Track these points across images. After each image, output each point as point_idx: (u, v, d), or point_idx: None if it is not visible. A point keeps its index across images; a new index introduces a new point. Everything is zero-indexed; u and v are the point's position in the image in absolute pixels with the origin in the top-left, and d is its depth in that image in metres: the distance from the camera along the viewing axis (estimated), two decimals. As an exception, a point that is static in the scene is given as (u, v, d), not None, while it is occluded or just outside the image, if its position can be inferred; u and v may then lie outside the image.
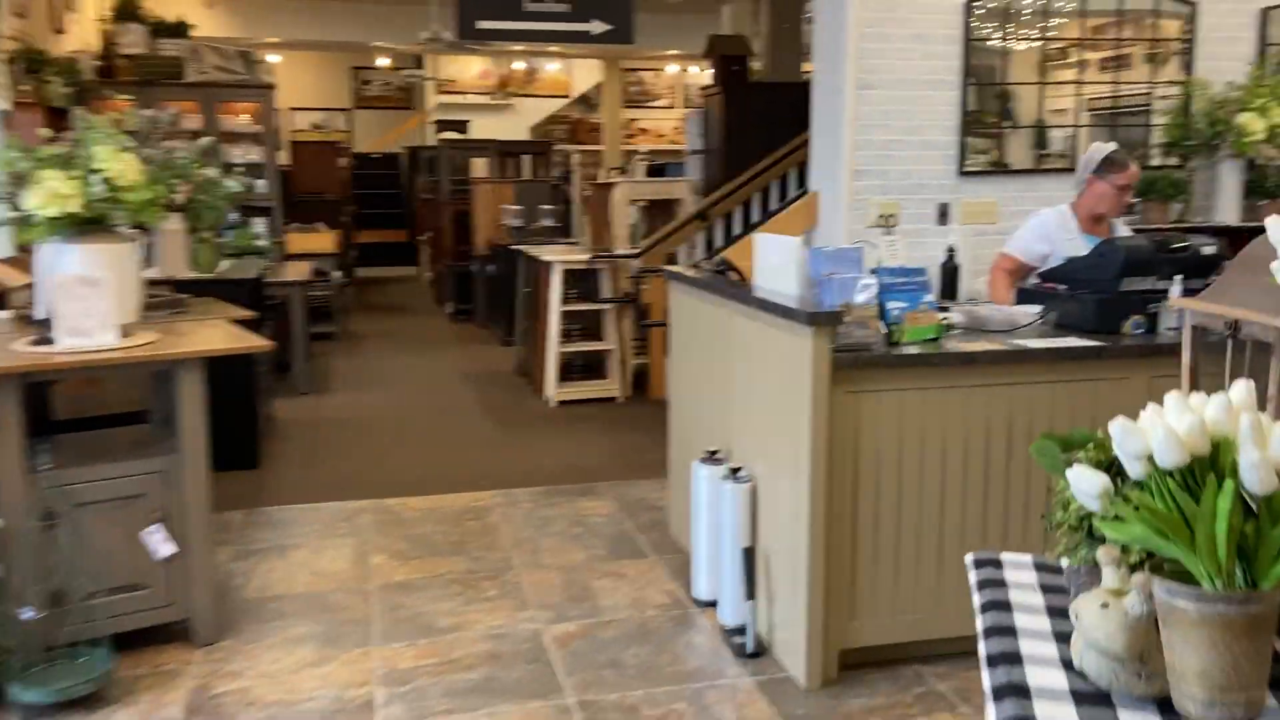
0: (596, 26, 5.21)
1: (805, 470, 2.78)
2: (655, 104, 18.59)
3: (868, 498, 2.87)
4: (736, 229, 6.44)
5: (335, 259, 9.01)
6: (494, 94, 16.91)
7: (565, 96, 17.56)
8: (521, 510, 4.45)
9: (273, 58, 14.51)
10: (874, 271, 2.99)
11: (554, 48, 13.83)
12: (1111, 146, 3.81)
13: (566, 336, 6.81)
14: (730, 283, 3.41)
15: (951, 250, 4.72)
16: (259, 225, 8.63)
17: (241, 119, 8.84)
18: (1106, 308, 3.03)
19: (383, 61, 14.84)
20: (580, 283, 6.86)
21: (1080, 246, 3.65)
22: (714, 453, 3.35)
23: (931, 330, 2.99)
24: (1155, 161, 5.01)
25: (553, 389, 6.42)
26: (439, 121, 10.58)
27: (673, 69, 17.90)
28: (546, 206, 9.12)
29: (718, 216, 6.38)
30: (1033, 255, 3.92)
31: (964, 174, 4.83)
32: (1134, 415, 1.19)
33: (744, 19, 9.59)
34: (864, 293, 2.83)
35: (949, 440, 2.88)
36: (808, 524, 2.80)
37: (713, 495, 3.31)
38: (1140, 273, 3.02)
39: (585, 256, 6.39)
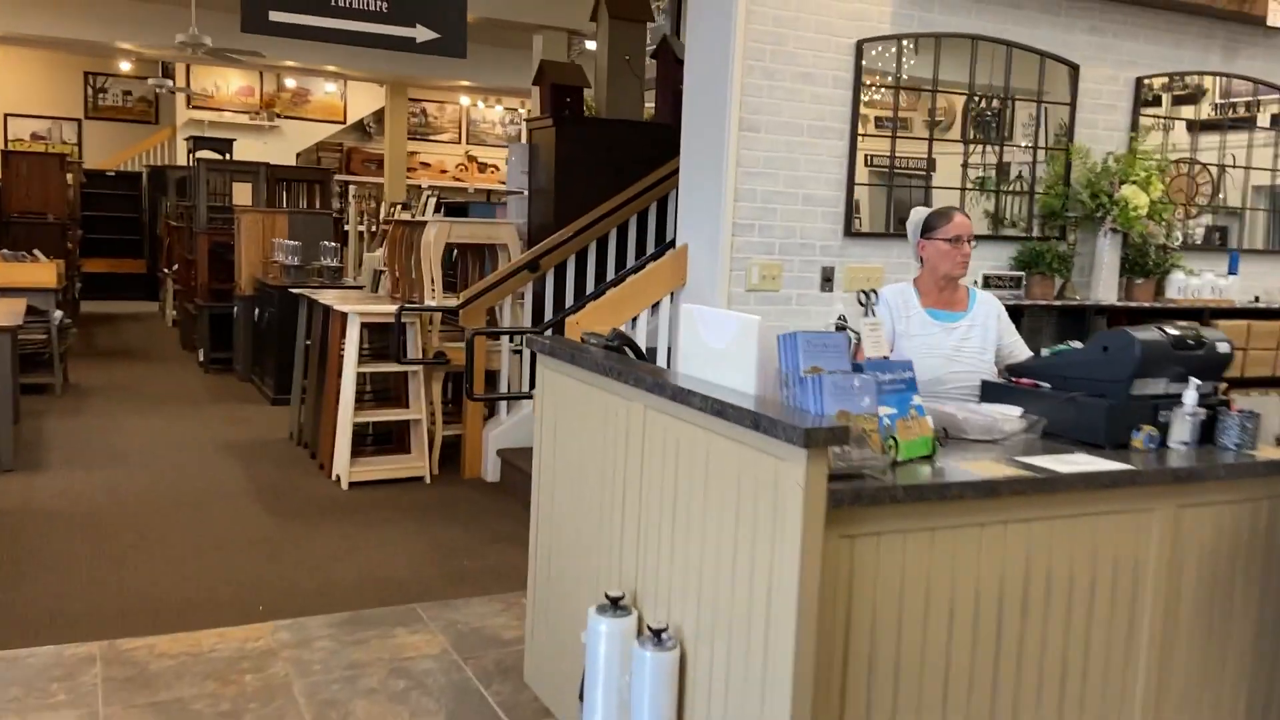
0: (422, 34, 4.26)
1: (786, 642, 1.97)
2: (438, 138, 17.52)
3: (858, 676, 2.09)
4: (575, 282, 5.60)
5: (56, 294, 7.34)
6: (256, 114, 15.25)
7: (339, 122, 16.14)
8: (318, 653, 3.34)
9: (-18, 49, 12.26)
10: (858, 367, 2.24)
11: (331, 66, 12.52)
12: (930, 209, 3.29)
13: (361, 401, 5.69)
14: (646, 370, 2.56)
15: (843, 320, 4.12)
16: (-48, 250, 6.88)
17: (-67, 116, 7.05)
18: (1116, 415, 2.45)
19: (124, 66, 12.88)
20: (380, 338, 5.77)
21: (923, 324, 3.15)
22: (616, 600, 2.47)
23: (924, 445, 2.28)
24: (1037, 233, 4.67)
25: (345, 467, 5.27)
26: (195, 139, 9.07)
27: (466, 101, 16.91)
28: (329, 244, 7.90)
29: (550, 266, 5.52)
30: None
31: (851, 235, 4.25)
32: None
33: (557, 50, 8.84)
34: (864, 396, 2.07)
35: (959, 595, 2.16)
36: (789, 715, 1.97)
37: (617, 661, 2.42)
38: (1153, 373, 2.46)
39: (390, 308, 5.33)
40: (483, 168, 18.05)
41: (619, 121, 5.81)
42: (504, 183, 18.48)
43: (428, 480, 5.45)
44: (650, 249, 5.73)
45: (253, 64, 12.62)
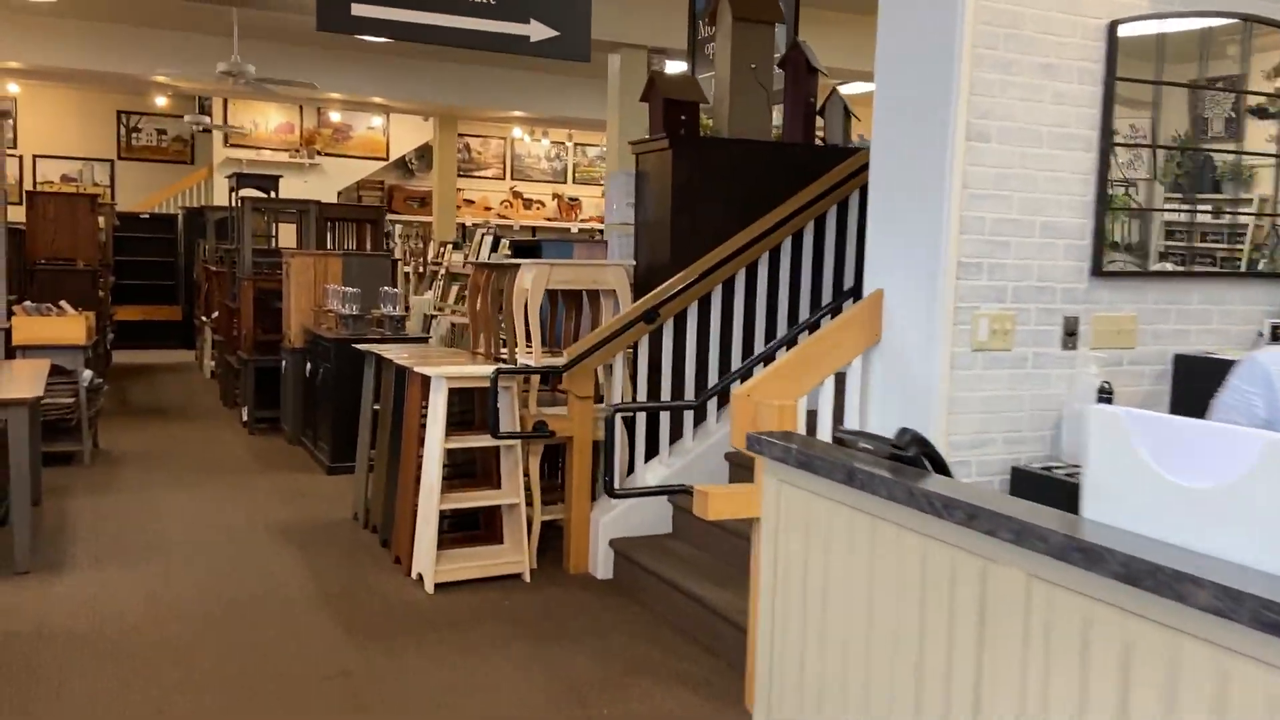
0: (537, 31, 3.38)
1: None
2: (482, 174, 16.77)
3: None
4: (698, 334, 4.66)
5: (86, 351, 6.49)
6: (296, 151, 14.54)
7: (381, 159, 15.42)
8: None
9: (12, 87, 11.59)
10: None
11: (377, 98, 11.75)
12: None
13: (443, 480, 4.75)
14: (1034, 516, 1.58)
15: (1108, 390, 3.13)
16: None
17: (-50, 154, 6.25)
18: None
19: (159, 102, 12.19)
20: (461, 403, 4.84)
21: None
22: None
23: None
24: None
25: (429, 565, 4.31)
26: (238, 175, 8.26)
27: (519, 133, 16.10)
28: (389, 290, 7.01)
29: (669, 316, 4.58)
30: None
31: (1101, 274, 3.27)
32: None
33: (635, 72, 7.98)
34: None
35: None
36: None
37: None
38: None
39: (483, 370, 4.40)
40: (528, 204, 17.28)
41: (747, 142, 4.88)
42: (550, 220, 17.77)
43: (527, 578, 4.48)
44: (800, 291, 4.79)
45: (295, 96, 11.89)
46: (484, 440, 4.49)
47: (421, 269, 13.40)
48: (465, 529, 4.92)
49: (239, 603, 4.13)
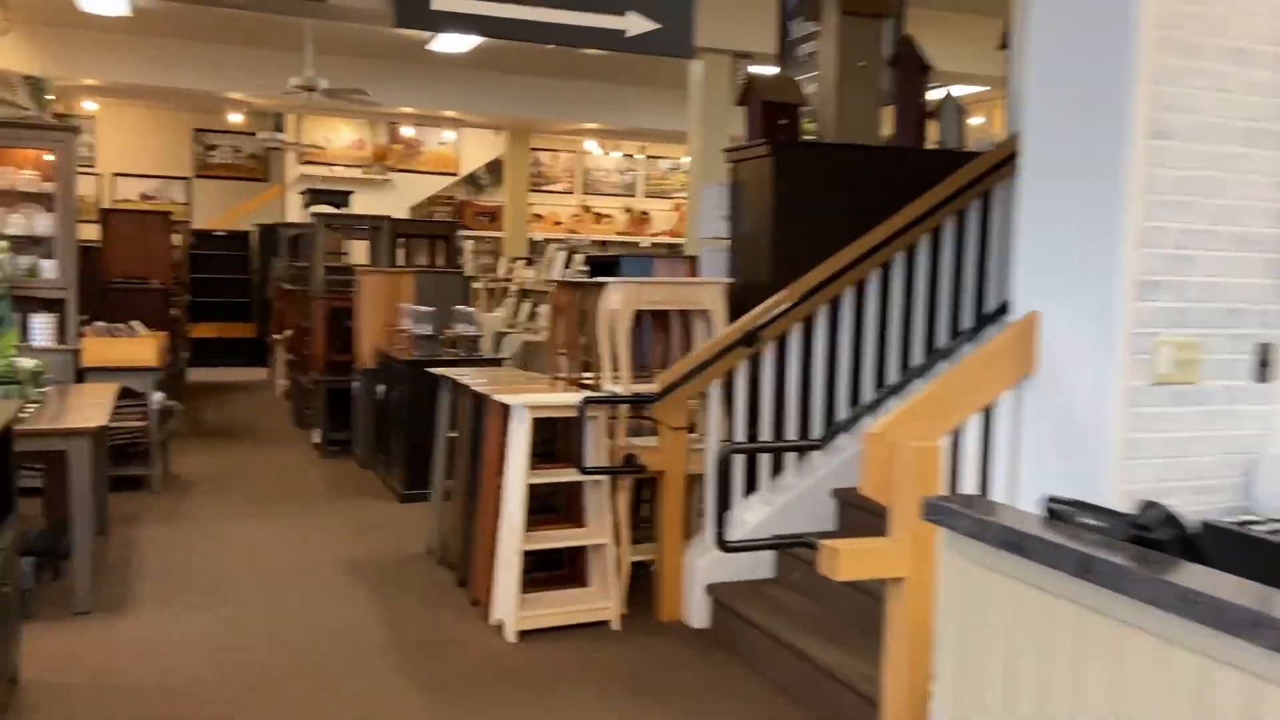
0: (635, 24, 3.01)
1: None
2: (551, 188, 16.54)
3: None
4: (802, 359, 4.24)
5: (157, 374, 6.30)
6: (368, 167, 14.45)
7: (452, 174, 15.27)
8: None
9: (89, 105, 11.66)
10: None
11: (449, 112, 11.56)
12: None
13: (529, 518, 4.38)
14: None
15: (1322, 433, 2.63)
16: (40, 326, 5.88)
17: (23, 174, 6.12)
18: None
19: (234, 118, 12.17)
20: (541, 432, 4.48)
21: None
22: None
23: None
24: None
25: (511, 611, 3.95)
26: (311, 191, 8.09)
27: (593, 145, 15.81)
28: (463, 309, 6.71)
29: (770, 339, 4.17)
30: None
31: (1302, 294, 2.78)
32: None
33: (720, 74, 7.60)
34: None
35: None
36: None
37: None
38: None
39: (568, 399, 4.04)
40: (598, 218, 17.00)
41: (856, 147, 4.45)
42: (620, 234, 17.46)
43: (616, 625, 4.09)
44: (916, 309, 4.35)
45: (367, 111, 11.75)
46: (569, 475, 4.12)
47: (492, 286, 13.20)
48: (547, 568, 4.55)
49: (309, 654, 3.81)
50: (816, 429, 4.31)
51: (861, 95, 4.44)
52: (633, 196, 17.41)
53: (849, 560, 2.64)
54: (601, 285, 4.40)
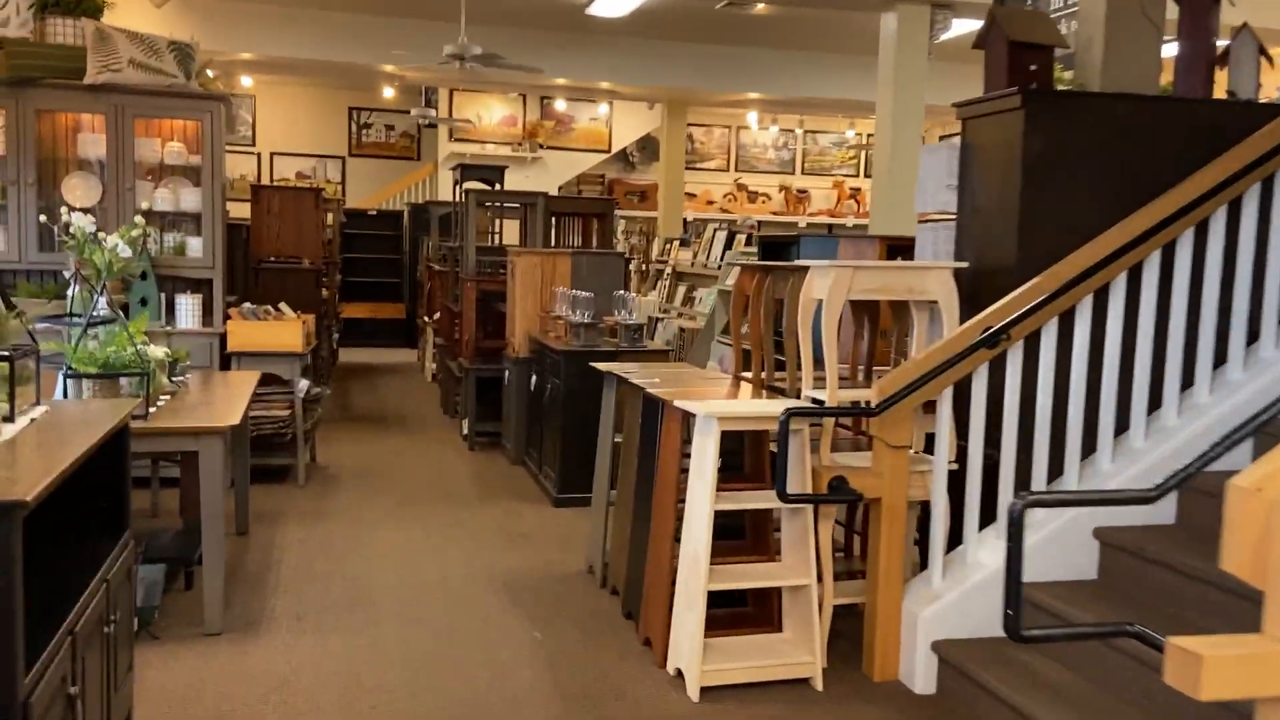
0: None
1: None
2: (704, 165, 15.81)
3: None
4: (1057, 364, 3.39)
5: (303, 359, 5.94)
6: (519, 144, 14.08)
7: (603, 151, 14.75)
8: None
9: (246, 80, 11.62)
10: None
11: (604, 84, 10.95)
12: None
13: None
14: None
15: None
16: (185, 308, 5.56)
17: (172, 146, 5.83)
18: None
19: (387, 93, 11.94)
20: (729, 443, 3.77)
21: None
22: None
23: None
24: None
25: (693, 663, 3.28)
26: (462, 167, 7.62)
27: (752, 119, 14.95)
28: (624, 294, 6.08)
29: (1019, 339, 3.33)
30: None
31: None
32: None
33: (917, 29, 6.69)
34: None
35: None
36: None
37: None
38: None
39: (766, 408, 3.32)
40: (753, 197, 16.18)
41: (1133, 98, 3.55)
42: (775, 214, 16.59)
43: (818, 684, 3.36)
44: (1232, 302, 3.44)
45: (520, 83, 11.27)
46: (765, 500, 3.41)
47: (645, 267, 12.59)
48: (729, 604, 3.86)
49: (456, 701, 3.24)
50: (1072, 452, 3.45)
51: (1139, 34, 3.53)
52: (790, 174, 16.50)
53: (1217, 673, 1.83)
54: (801, 271, 3.65)
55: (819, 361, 3.56)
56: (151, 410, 3.66)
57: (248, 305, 6.00)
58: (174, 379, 4.33)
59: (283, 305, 6.40)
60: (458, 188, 7.93)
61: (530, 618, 3.95)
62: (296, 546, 4.73)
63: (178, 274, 5.78)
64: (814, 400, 3.56)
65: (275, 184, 7.88)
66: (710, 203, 15.75)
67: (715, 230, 10.13)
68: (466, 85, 12.78)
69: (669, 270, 10.79)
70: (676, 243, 11.05)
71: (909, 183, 6.80)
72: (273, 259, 7.77)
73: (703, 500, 3.31)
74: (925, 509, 3.59)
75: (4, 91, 5.35)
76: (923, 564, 3.61)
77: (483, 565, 4.57)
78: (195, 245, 5.78)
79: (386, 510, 5.44)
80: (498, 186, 7.90)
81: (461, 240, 7.51)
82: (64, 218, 4.25)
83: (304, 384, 5.92)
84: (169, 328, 5.62)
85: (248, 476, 4.92)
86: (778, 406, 3.30)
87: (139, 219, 4.82)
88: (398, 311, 13.54)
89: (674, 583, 3.51)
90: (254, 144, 14.50)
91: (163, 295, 5.65)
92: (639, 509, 3.93)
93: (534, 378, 6.32)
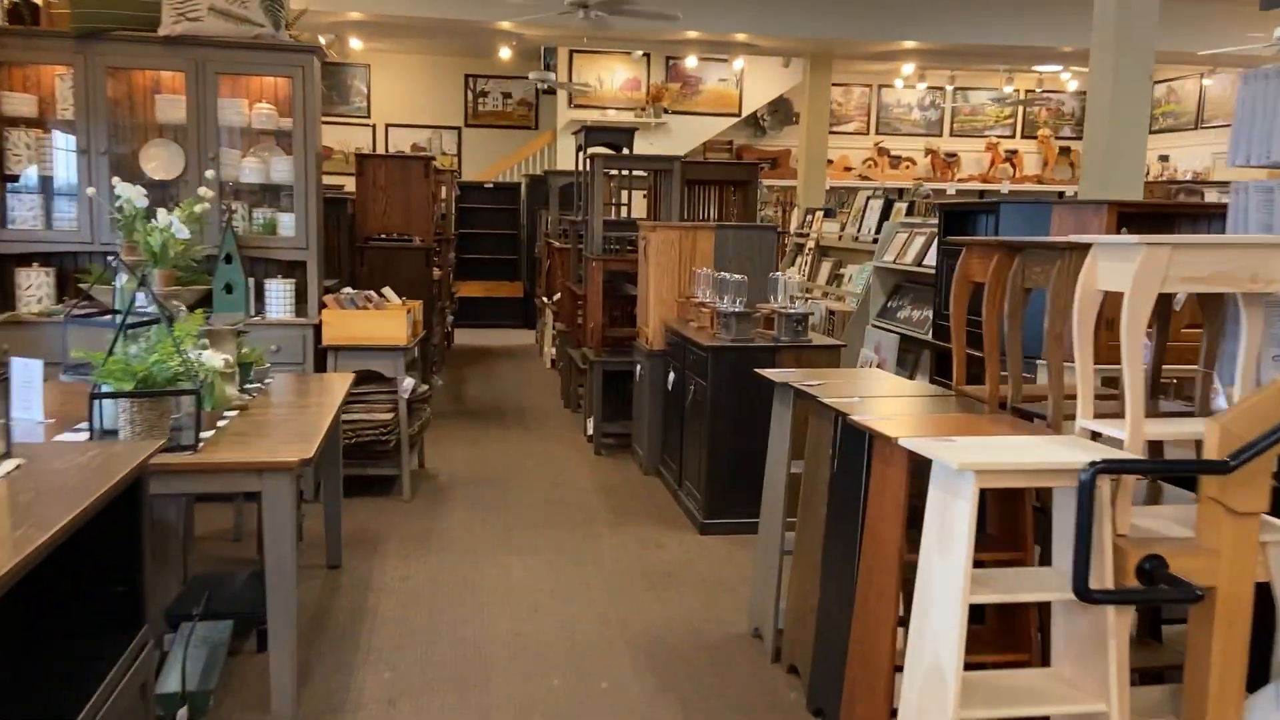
0: None
1: None
2: (842, 129, 14.51)
3: None
4: None
5: (409, 352, 5.13)
6: (643, 110, 13.10)
7: (733, 115, 13.63)
8: None
9: (355, 43, 10.96)
10: None
11: (740, 35, 9.83)
12: None
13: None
14: None
15: None
16: (276, 295, 4.81)
17: (260, 109, 5.06)
18: None
19: (504, 54, 11.11)
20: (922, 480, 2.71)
21: None
22: None
23: None
24: None
25: (931, 819, 2.27)
26: (586, 129, 6.69)
27: (907, 71, 13.51)
28: (782, 276, 5.04)
29: None
30: None
31: None
32: None
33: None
34: None
35: None
36: None
37: None
38: None
39: (1060, 459, 2.26)
40: (895, 162, 14.80)
41: None
42: (919, 180, 15.15)
43: None
44: None
45: (648, 40, 10.25)
46: (1043, 587, 2.35)
47: (783, 241, 11.48)
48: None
49: None
50: None
51: None
52: (937, 136, 15.05)
53: None
54: (1074, 250, 2.57)
55: (1131, 382, 2.47)
56: (207, 435, 2.85)
57: (347, 291, 5.22)
58: (248, 386, 3.54)
59: (387, 290, 5.60)
60: (580, 154, 7.01)
61: (684, 705, 3.01)
62: (396, 588, 3.90)
63: (269, 255, 5.03)
64: (1093, 435, 2.48)
65: (381, 154, 7.08)
66: (848, 169, 14.48)
67: (869, 199, 8.96)
68: (588, 45, 11.84)
69: (811, 245, 9.67)
70: (820, 214, 9.91)
71: (1134, 137, 5.56)
72: (380, 237, 7.02)
73: (951, 588, 2.28)
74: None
75: (71, 46, 4.66)
76: (1254, 675, 2.50)
77: (618, 617, 3.65)
78: (287, 222, 5.02)
79: (502, 534, 4.58)
80: (626, 151, 6.94)
81: (586, 213, 6.59)
82: (118, 190, 3.50)
83: (409, 382, 5.11)
84: (258, 318, 4.88)
85: (339, 496, 4.13)
86: (1070, 454, 2.24)
87: (205, 191, 4.06)
88: (515, 290, 12.80)
89: (892, 683, 2.51)
90: (369, 116, 13.95)
91: (251, 280, 4.91)
92: (832, 569, 2.93)
93: (671, 375, 5.37)
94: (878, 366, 6.44)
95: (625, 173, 7.10)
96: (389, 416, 5.06)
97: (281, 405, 3.48)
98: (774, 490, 3.49)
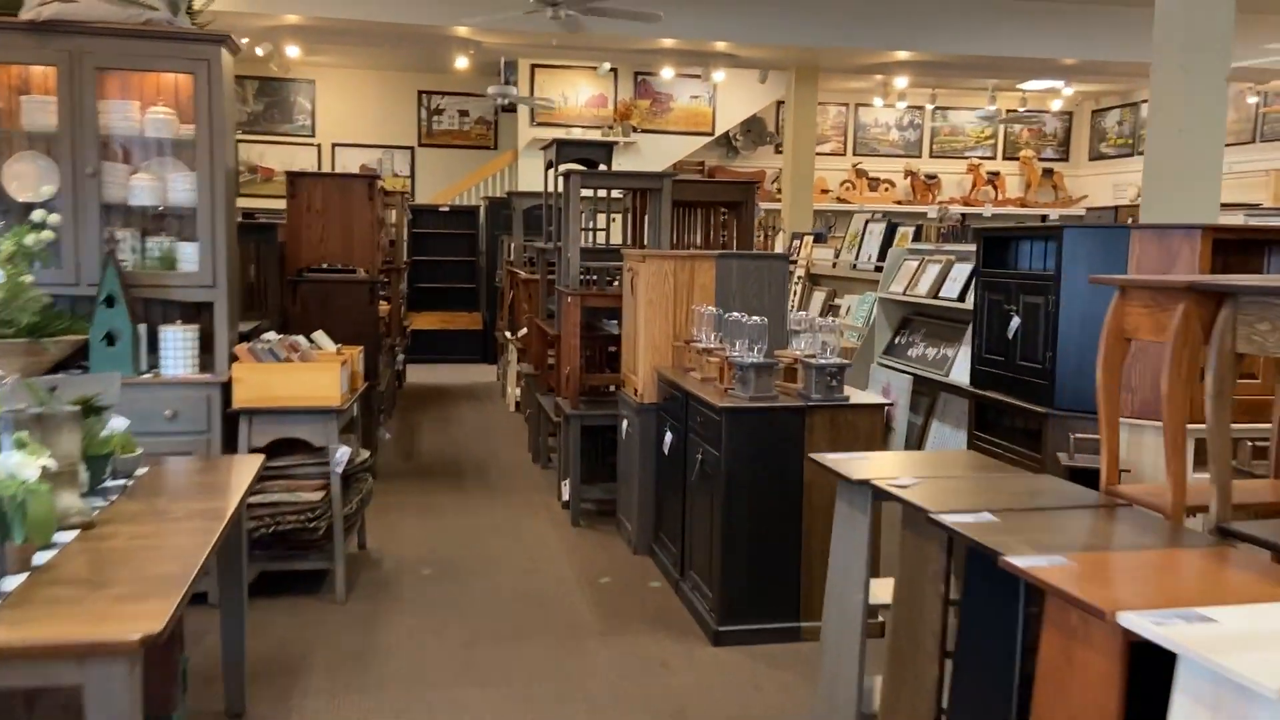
0: None
1: None
2: (819, 149, 13.70)
3: None
4: None
5: (340, 416, 4.11)
6: (610, 128, 12.21)
7: (706, 134, 12.79)
8: None
9: (292, 49, 9.92)
10: None
11: (720, 44, 8.97)
12: None
13: None
14: None
15: None
16: (173, 347, 3.80)
17: (155, 114, 4.03)
18: None
19: (460, 63, 10.15)
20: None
21: None
22: None
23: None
24: None
25: None
26: (557, 145, 5.74)
27: (902, 83, 12.61)
28: (809, 317, 4.11)
29: None
30: None
31: None
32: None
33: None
34: None
35: None
36: None
37: None
38: None
39: None
40: (874, 184, 14.04)
41: None
42: (899, 203, 14.37)
43: None
44: None
45: (619, 46, 9.33)
46: None
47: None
48: None
49: None
50: None
51: None
52: (916, 157, 14.32)
53: None
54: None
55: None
56: (10, 585, 1.84)
57: (266, 339, 4.19)
58: (108, 485, 2.53)
59: (319, 336, 4.59)
60: (551, 172, 6.07)
61: None
62: (317, 749, 2.88)
63: (165, 295, 4.00)
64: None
65: (318, 172, 6.08)
66: (825, 191, 13.67)
67: (867, 222, 8.11)
68: (555, 48, 10.94)
69: (801, 273, 8.79)
70: (809, 238, 9.06)
71: (1209, 154, 4.75)
72: (317, 268, 6.00)
73: None
74: None
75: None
76: None
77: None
78: (189, 254, 3.99)
79: (461, 652, 3.57)
80: (603, 169, 6.00)
81: (559, 239, 5.64)
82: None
83: (345, 451, 4.09)
84: (149, 375, 3.85)
85: (242, 613, 3.09)
86: None
87: (43, 214, 3.04)
88: (474, 322, 11.77)
89: None
90: (314, 135, 12.91)
91: (142, 328, 3.88)
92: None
93: (669, 436, 4.41)
94: (889, 409, 5.58)
95: (603, 194, 6.17)
96: (317, 496, 4.03)
97: (150, 515, 2.46)
98: (843, 628, 2.54)
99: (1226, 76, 4.57)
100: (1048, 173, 14.37)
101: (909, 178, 14.15)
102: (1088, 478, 4.04)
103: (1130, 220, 10.28)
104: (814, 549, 3.75)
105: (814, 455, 2.72)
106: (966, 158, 14.33)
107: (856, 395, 3.91)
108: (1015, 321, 4.51)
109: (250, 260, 5.45)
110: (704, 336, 4.40)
